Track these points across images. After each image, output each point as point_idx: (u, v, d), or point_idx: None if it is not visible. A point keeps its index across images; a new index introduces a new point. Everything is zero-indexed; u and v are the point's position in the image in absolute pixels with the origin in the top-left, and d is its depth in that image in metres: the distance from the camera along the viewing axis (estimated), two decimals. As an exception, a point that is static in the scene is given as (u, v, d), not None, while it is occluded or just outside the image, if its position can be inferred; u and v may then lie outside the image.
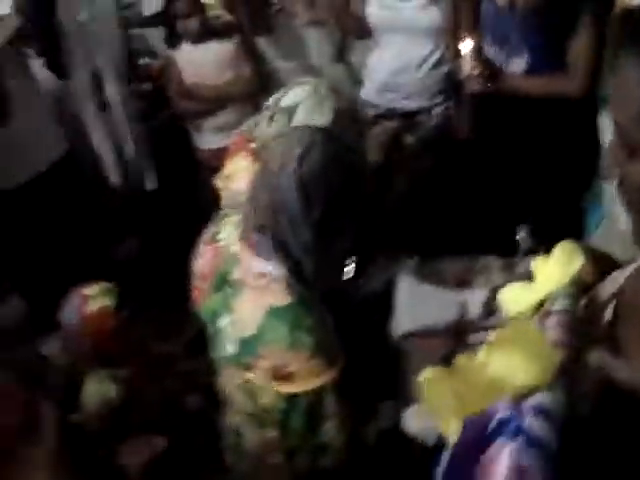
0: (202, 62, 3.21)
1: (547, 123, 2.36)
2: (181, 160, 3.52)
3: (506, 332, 0.87)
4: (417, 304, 2.07)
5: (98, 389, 2.08)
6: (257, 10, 3.24)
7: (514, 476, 0.72)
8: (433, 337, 1.84)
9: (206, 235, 1.61)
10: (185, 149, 3.52)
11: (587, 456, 0.76)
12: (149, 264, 3.43)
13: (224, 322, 1.44)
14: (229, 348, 1.43)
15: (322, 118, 1.82)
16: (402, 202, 2.32)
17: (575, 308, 0.95)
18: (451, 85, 2.65)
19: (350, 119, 1.59)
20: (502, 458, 0.74)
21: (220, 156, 2.11)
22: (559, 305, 0.94)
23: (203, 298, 1.54)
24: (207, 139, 3.34)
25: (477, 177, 2.60)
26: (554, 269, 1.10)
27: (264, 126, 1.85)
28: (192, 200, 3.51)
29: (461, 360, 0.86)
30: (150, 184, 2.39)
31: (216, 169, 2.07)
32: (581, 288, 1.05)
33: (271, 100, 1.93)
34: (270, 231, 1.35)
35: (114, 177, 2.39)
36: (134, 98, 3.27)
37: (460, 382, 0.82)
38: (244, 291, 1.39)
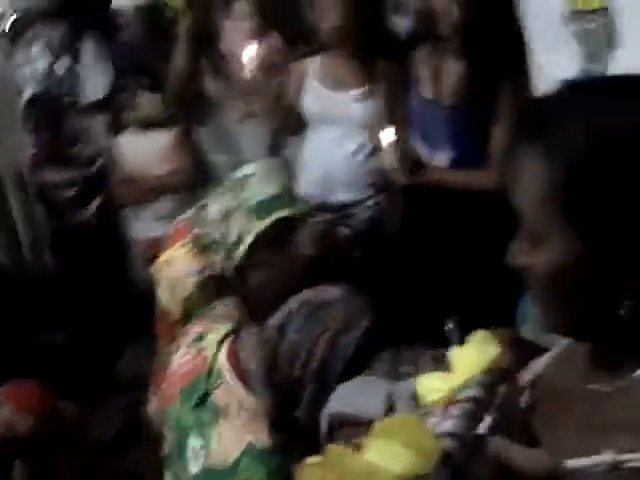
0: (143, 151, 3.25)
1: (474, 215, 2.38)
2: (112, 250, 3.50)
3: (385, 423, 0.85)
4: (348, 391, 2.07)
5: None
6: (194, 101, 3.29)
7: None
8: (360, 426, 1.83)
9: (188, 335, 1.54)
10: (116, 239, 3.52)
11: None
12: (75, 354, 3.30)
13: (194, 443, 1.38)
14: (193, 469, 1.38)
15: (272, 189, 1.86)
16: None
17: (484, 396, 0.95)
18: (383, 177, 2.65)
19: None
20: None
21: (156, 245, 2.12)
22: (465, 393, 0.94)
23: (170, 399, 1.47)
24: (144, 227, 3.33)
25: (407, 269, 2.60)
26: (470, 358, 1.11)
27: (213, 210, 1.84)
28: (123, 290, 3.47)
29: (334, 450, 0.84)
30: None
31: (151, 259, 2.06)
32: (499, 376, 1.06)
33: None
34: (268, 365, 1.33)
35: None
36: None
37: (333, 472, 0.80)
38: (223, 420, 1.35)
